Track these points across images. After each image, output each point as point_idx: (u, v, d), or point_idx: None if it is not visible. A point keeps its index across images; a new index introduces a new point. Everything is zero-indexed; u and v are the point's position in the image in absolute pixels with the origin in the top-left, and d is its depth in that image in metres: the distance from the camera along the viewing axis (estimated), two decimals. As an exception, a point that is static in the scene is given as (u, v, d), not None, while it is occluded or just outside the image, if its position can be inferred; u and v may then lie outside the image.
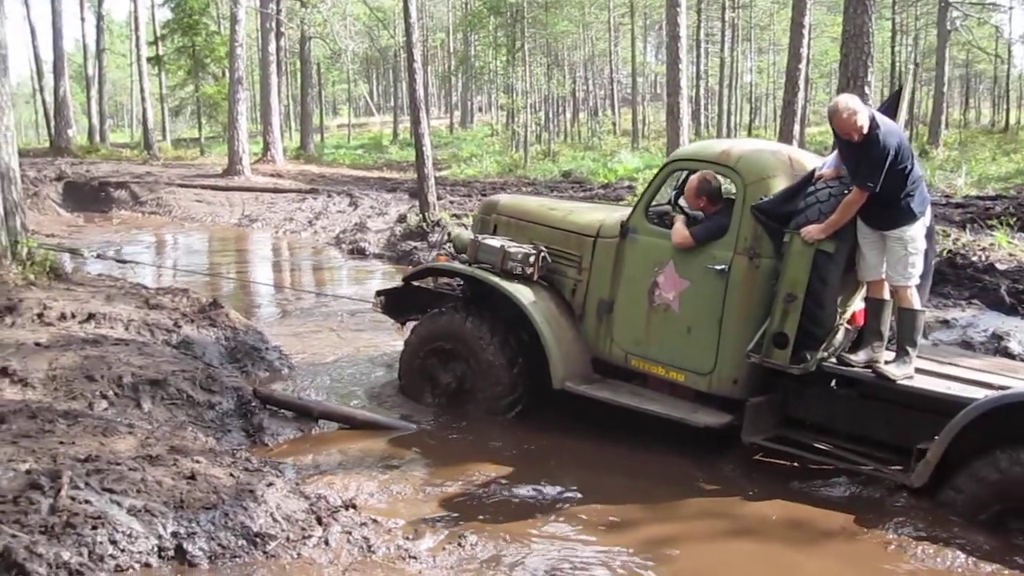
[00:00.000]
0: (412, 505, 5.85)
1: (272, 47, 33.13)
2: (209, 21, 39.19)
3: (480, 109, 69.64)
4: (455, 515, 5.74)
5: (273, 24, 32.91)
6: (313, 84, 43.25)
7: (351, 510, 5.31)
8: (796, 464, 6.64)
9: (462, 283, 8.38)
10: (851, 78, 11.41)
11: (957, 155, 29.14)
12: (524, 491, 6.21)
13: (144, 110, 39.03)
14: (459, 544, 5.21)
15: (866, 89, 11.15)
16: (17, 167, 10.22)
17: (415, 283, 8.66)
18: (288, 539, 4.75)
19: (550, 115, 48.98)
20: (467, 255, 7.87)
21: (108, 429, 5.65)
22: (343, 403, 7.96)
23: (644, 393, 7.09)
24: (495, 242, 7.66)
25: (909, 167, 5.94)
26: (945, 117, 36.87)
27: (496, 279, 7.46)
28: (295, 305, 12.71)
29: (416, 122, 16.94)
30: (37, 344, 7.56)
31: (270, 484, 5.11)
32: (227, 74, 32.35)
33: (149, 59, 40.12)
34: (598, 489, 6.28)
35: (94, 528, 4.21)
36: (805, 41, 16.81)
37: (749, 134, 48.61)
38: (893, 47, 41.47)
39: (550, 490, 6.27)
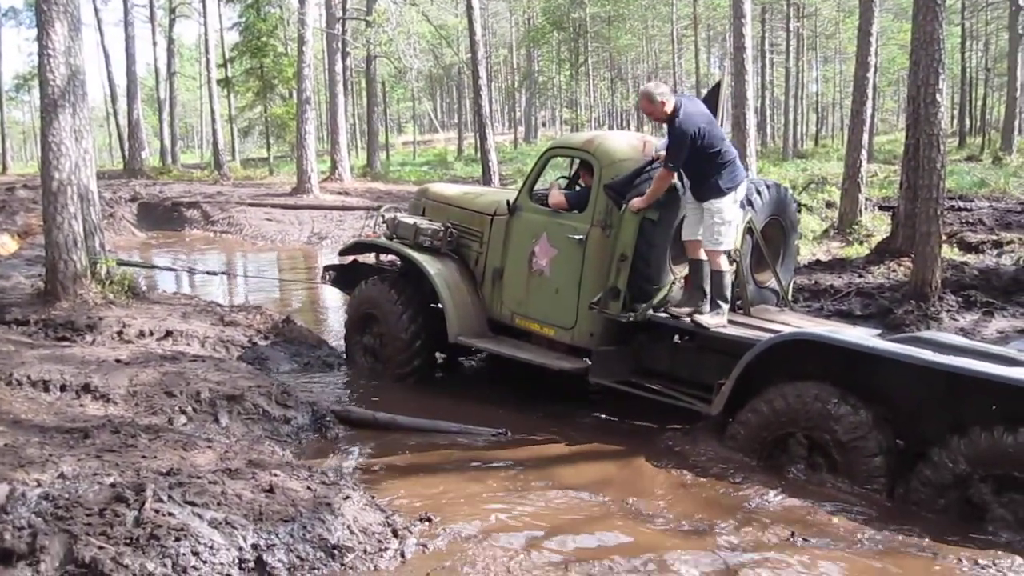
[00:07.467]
0: (489, 516, 5.75)
1: (338, 67, 33.49)
2: (277, 43, 39.63)
3: (544, 124, 69.81)
4: (533, 526, 5.64)
5: (339, 45, 33.31)
6: (379, 102, 43.54)
7: (426, 523, 5.36)
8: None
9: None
10: (921, 85, 11.20)
11: (1033, 161, 28.47)
12: (603, 501, 6.10)
13: (214, 131, 39.73)
14: (536, 556, 5.17)
15: (937, 96, 10.92)
16: (96, 189, 10.49)
17: (360, 259, 9.95)
18: (365, 552, 4.82)
19: (614, 128, 48.90)
20: (388, 231, 9.08)
21: (188, 443, 5.78)
22: (415, 414, 7.97)
23: (524, 346, 8.15)
24: (410, 220, 8.90)
25: (717, 150, 6.86)
26: (1018, 123, 36.04)
27: (407, 250, 8.66)
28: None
29: (482, 138, 17.12)
30: (118, 361, 7.77)
31: (347, 497, 5.17)
32: (295, 94, 32.72)
33: (219, 81, 40.74)
34: (680, 501, 6.20)
35: (177, 540, 4.30)
36: (872, 49, 16.55)
37: (816, 144, 48.16)
38: (963, 52, 40.75)
39: (631, 502, 6.13)
